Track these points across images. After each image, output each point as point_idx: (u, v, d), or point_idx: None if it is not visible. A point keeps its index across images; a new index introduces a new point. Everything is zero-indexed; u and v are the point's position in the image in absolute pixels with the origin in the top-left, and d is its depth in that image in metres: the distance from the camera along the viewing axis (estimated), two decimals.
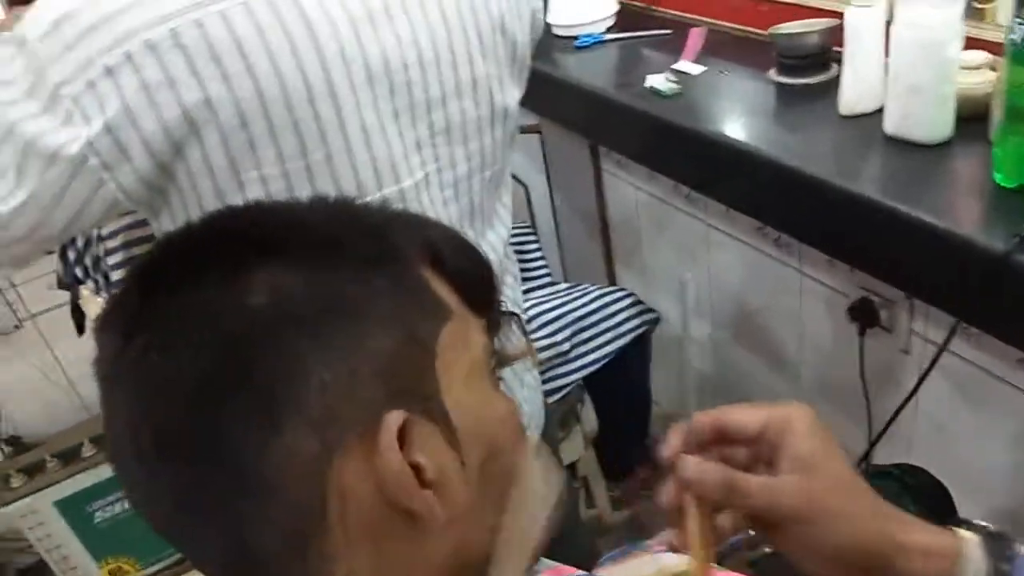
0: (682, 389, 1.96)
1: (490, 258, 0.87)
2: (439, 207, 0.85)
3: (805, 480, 0.47)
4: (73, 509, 1.83)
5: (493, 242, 0.95)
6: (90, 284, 1.14)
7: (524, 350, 0.55)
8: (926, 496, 1.05)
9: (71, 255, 1.13)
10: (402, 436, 0.41)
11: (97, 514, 1.87)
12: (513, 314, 0.54)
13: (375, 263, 0.45)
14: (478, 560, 0.46)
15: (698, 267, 1.75)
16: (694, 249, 1.73)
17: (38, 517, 1.80)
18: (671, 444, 0.50)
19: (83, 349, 1.35)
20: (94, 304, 1.16)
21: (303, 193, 0.74)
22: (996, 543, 0.47)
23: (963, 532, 0.48)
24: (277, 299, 0.42)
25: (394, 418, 0.41)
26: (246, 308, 0.41)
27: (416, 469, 0.42)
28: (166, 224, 0.77)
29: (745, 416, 0.50)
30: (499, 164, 0.90)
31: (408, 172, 0.81)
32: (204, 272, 0.43)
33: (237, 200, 0.73)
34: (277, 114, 0.70)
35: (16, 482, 1.78)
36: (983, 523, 0.50)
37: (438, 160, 0.83)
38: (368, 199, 0.72)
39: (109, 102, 0.66)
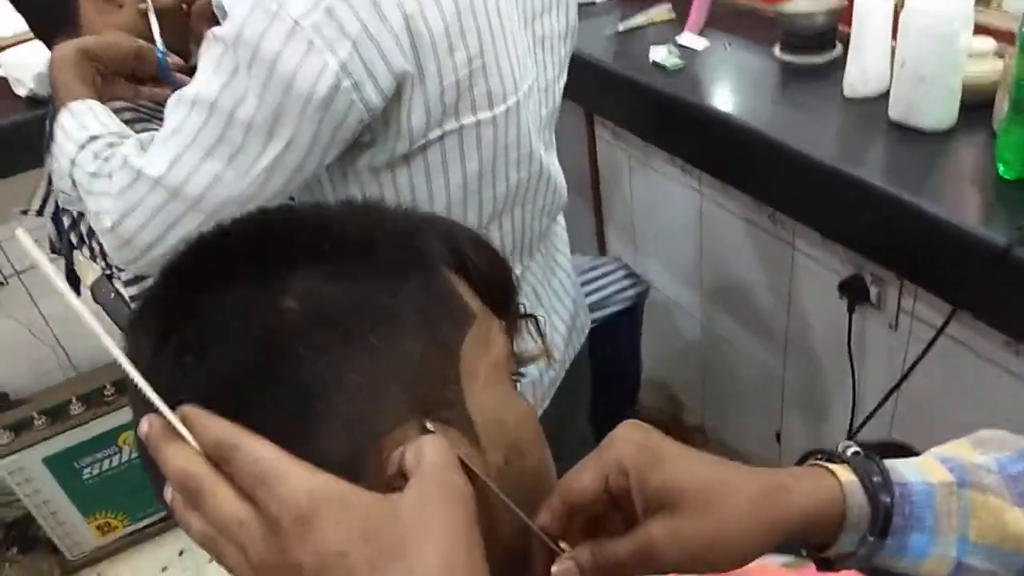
0: (669, 356, 1.98)
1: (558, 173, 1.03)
2: (534, 109, 0.94)
3: (670, 520, 0.44)
4: (61, 466, 1.83)
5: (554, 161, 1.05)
6: (85, 251, 1.13)
7: (541, 351, 0.56)
8: None
9: (66, 221, 1.11)
10: None
11: (85, 471, 1.87)
12: (532, 316, 0.55)
13: (405, 269, 0.45)
14: (506, 558, 0.47)
15: (690, 238, 1.76)
16: (687, 220, 1.74)
17: (26, 473, 1.80)
18: (538, 560, 0.47)
19: (68, 306, 1.33)
20: (90, 270, 1.15)
21: (478, 89, 0.83)
22: (873, 476, 0.47)
23: (842, 474, 0.47)
24: (310, 303, 0.42)
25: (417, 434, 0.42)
26: (280, 311, 0.41)
27: None
28: (375, 155, 0.84)
29: (583, 484, 0.46)
30: (564, 78, 1.02)
31: (523, 77, 0.89)
32: (238, 274, 0.43)
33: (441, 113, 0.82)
34: (465, 21, 0.79)
35: (3, 439, 1.77)
36: (856, 449, 0.48)
37: (536, 66, 0.93)
38: (502, 107, 0.86)
39: (349, 23, 0.72)
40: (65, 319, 1.91)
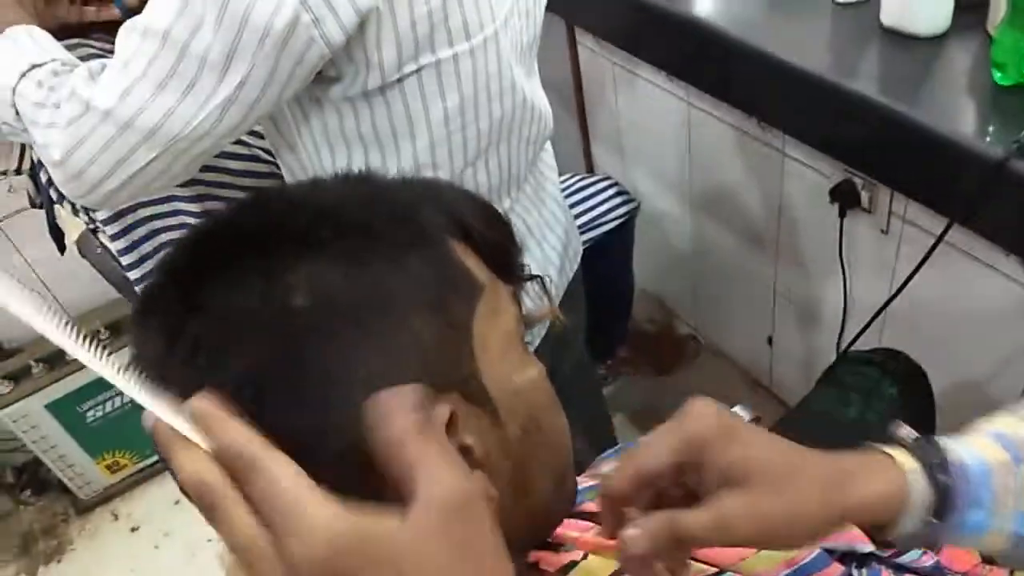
0: (661, 268, 1.99)
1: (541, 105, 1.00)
2: (514, 37, 0.90)
3: (745, 495, 0.45)
4: (64, 411, 1.85)
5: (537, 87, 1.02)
6: (67, 205, 1.10)
7: (548, 311, 0.56)
8: (905, 381, 1.10)
9: (43, 176, 1.08)
10: (449, 424, 0.42)
11: (89, 413, 1.89)
12: (538, 277, 0.55)
13: (409, 248, 0.44)
14: (530, 523, 0.48)
15: (678, 146, 1.73)
16: (674, 128, 1.71)
17: (30, 420, 1.82)
18: (607, 525, 0.48)
19: (55, 250, 1.30)
20: (74, 225, 1.13)
21: (453, 21, 0.80)
22: (933, 459, 0.48)
23: (904, 460, 0.48)
24: (319, 298, 0.41)
25: (441, 413, 0.42)
26: (290, 309, 0.41)
27: (464, 451, 0.43)
28: (347, 87, 0.81)
29: (657, 455, 0.47)
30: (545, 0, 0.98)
31: (500, 5, 0.85)
32: (243, 269, 0.42)
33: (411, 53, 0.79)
34: None
35: (3, 388, 1.78)
36: (910, 432, 0.51)
37: None
38: (479, 37, 0.83)
39: None
40: (51, 264, 1.89)
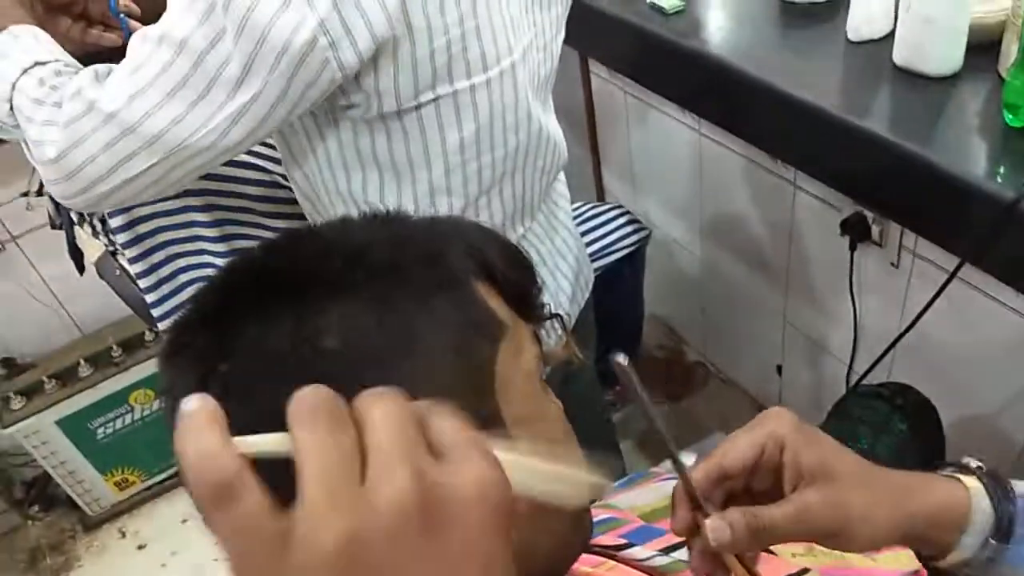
0: (671, 295, 1.99)
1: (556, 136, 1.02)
2: (532, 70, 0.92)
3: (826, 490, 0.47)
4: (75, 427, 1.86)
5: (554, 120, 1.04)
6: (87, 228, 1.12)
7: (567, 350, 0.57)
8: (914, 415, 1.10)
9: None
10: None
11: (99, 430, 1.90)
12: (557, 316, 0.56)
13: (435, 290, 0.45)
14: (547, 563, 0.49)
15: (689, 175, 1.75)
16: (686, 157, 1.73)
17: (40, 436, 1.83)
18: (681, 517, 0.49)
19: (70, 267, 1.32)
20: (93, 246, 1.14)
21: (471, 53, 0.81)
22: (997, 486, 0.51)
23: (968, 481, 0.51)
24: (350, 340, 0.42)
25: None
26: (321, 351, 0.42)
27: None
28: (364, 111, 0.81)
29: (740, 451, 0.49)
30: (562, 35, 0.99)
31: (518, 39, 0.86)
32: (273, 311, 0.43)
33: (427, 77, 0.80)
34: None
35: (15, 404, 1.79)
36: (978, 463, 0.53)
37: (534, 26, 0.90)
38: (496, 69, 0.84)
39: None
40: (66, 281, 1.92)
